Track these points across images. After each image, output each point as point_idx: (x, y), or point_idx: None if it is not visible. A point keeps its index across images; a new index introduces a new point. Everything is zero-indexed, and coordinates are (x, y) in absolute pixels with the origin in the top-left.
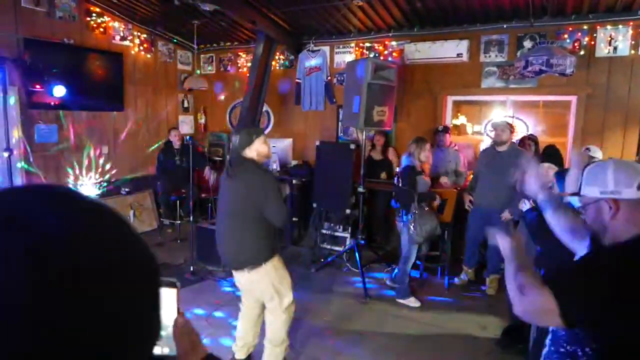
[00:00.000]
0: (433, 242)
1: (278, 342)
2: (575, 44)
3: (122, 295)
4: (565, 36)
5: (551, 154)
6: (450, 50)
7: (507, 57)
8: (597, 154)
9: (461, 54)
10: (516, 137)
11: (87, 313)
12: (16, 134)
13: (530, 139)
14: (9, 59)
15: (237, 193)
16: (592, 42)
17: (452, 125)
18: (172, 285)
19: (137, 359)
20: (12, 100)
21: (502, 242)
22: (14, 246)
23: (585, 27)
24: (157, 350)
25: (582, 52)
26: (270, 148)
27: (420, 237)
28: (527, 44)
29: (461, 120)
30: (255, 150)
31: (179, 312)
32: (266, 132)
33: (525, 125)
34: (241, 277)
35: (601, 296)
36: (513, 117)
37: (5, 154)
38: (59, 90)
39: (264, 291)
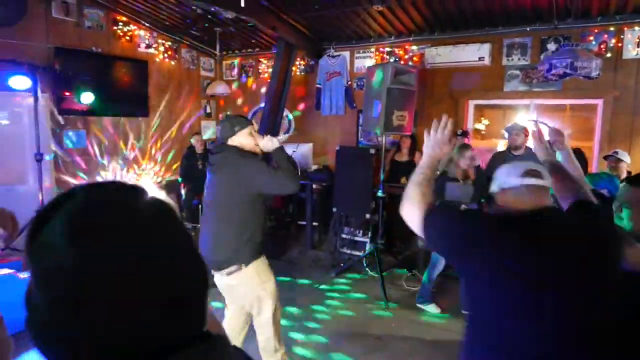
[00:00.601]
0: None
1: (271, 351)
2: (602, 46)
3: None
4: (591, 38)
5: (576, 159)
6: (472, 53)
7: (530, 60)
8: (625, 157)
9: (483, 57)
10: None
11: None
12: (46, 139)
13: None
14: (40, 67)
15: (220, 183)
16: (620, 44)
17: (474, 129)
18: None
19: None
20: (44, 106)
21: (430, 141)
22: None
23: (612, 28)
24: None
25: (608, 55)
26: (256, 142)
27: None
28: (551, 46)
29: (484, 124)
30: (239, 143)
31: None
32: (287, 136)
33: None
34: (219, 280)
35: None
36: (537, 120)
37: (36, 159)
38: (87, 97)
39: (243, 298)
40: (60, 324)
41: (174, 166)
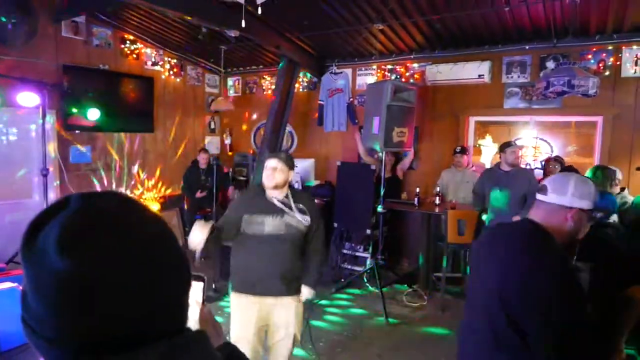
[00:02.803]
0: (454, 264)
1: None
2: (600, 64)
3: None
4: (590, 56)
5: None
6: (472, 71)
7: (530, 78)
8: (618, 175)
9: (483, 75)
10: (540, 158)
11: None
12: (52, 154)
13: (556, 160)
14: (48, 84)
15: None
16: (618, 63)
17: (475, 146)
18: (199, 279)
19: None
20: (50, 122)
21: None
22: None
23: (610, 47)
24: None
25: (607, 73)
26: (272, 181)
27: None
28: (550, 64)
29: (486, 141)
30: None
31: (203, 303)
32: (290, 152)
33: (549, 146)
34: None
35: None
36: (537, 137)
37: (42, 174)
38: (94, 114)
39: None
40: (51, 323)
41: (178, 181)
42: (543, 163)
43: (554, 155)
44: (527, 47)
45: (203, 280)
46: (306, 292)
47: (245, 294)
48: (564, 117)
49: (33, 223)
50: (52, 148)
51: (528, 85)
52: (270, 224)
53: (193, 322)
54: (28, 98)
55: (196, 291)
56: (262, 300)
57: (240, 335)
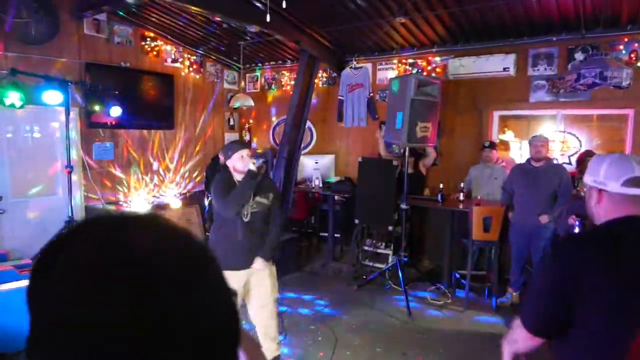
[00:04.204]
0: (479, 262)
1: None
2: (632, 55)
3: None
4: (621, 47)
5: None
6: (496, 64)
7: (557, 70)
8: None
9: (508, 68)
10: (568, 153)
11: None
12: (76, 151)
13: (590, 155)
14: (72, 81)
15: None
16: None
17: (498, 140)
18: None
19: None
20: (74, 120)
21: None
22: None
23: None
24: None
25: (639, 64)
26: (246, 164)
27: None
28: (579, 56)
29: (508, 135)
30: (232, 165)
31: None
32: (309, 148)
33: (577, 141)
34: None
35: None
36: (564, 131)
37: (66, 170)
38: (116, 111)
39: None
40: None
41: (198, 178)
42: (577, 159)
43: (583, 149)
44: (554, 39)
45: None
46: (258, 263)
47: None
48: (593, 110)
49: (40, 260)
50: (75, 145)
51: (555, 78)
52: (250, 203)
53: None
54: (52, 96)
55: None
56: (239, 274)
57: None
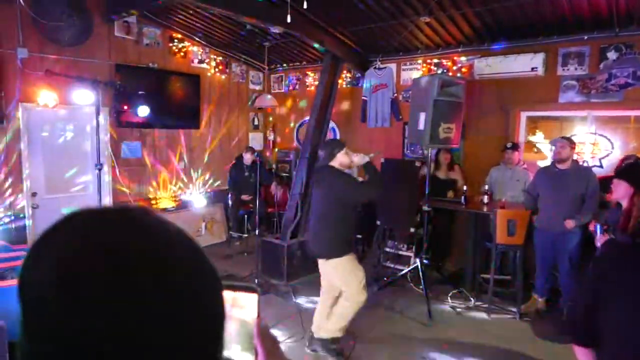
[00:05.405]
0: (502, 266)
1: (340, 320)
2: None
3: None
4: None
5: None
6: (524, 64)
7: (588, 70)
8: None
9: (536, 67)
10: (600, 155)
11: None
12: (106, 150)
13: (629, 159)
14: (102, 82)
15: (320, 196)
16: None
17: (526, 142)
18: (253, 290)
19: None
20: (104, 119)
21: None
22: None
23: None
24: (237, 355)
25: None
26: (351, 158)
27: None
28: (612, 55)
29: (538, 137)
30: (338, 163)
31: (258, 316)
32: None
33: (610, 143)
34: (320, 264)
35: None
36: (595, 133)
37: (97, 168)
38: (144, 110)
39: (334, 279)
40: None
41: (218, 175)
42: (618, 163)
43: (616, 152)
44: (585, 38)
45: (256, 292)
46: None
47: (352, 252)
48: (625, 111)
49: (32, 250)
50: (105, 144)
51: (586, 78)
52: None
53: (247, 338)
54: (83, 96)
55: (250, 304)
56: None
57: (360, 282)
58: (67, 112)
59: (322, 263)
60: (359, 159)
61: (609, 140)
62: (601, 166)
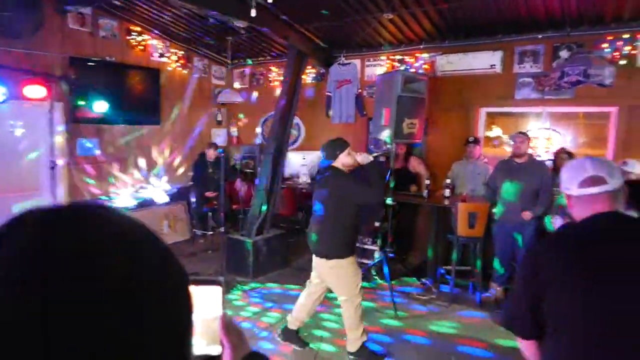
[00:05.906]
0: (463, 257)
1: (355, 329)
2: (616, 53)
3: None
4: (605, 45)
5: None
6: (483, 61)
7: (543, 68)
8: (635, 168)
9: (494, 65)
10: (551, 149)
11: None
12: (60, 147)
13: (564, 152)
14: (55, 76)
15: (326, 198)
16: (634, 51)
17: (484, 137)
18: (217, 283)
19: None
20: (58, 115)
21: None
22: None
23: (626, 35)
24: (202, 350)
25: (623, 62)
26: (354, 158)
27: None
28: (564, 54)
29: (495, 132)
30: (340, 163)
31: (223, 309)
32: (297, 144)
33: (562, 138)
34: (318, 262)
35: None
36: (549, 129)
37: (50, 167)
38: (101, 106)
39: (327, 279)
40: None
41: (180, 172)
42: (554, 154)
43: (566, 146)
44: (539, 36)
45: (220, 285)
46: None
47: (352, 257)
48: (577, 107)
49: None
50: (59, 141)
51: (541, 76)
52: None
53: (212, 332)
54: (35, 90)
55: (214, 297)
56: None
57: (357, 286)
58: (17, 108)
59: (319, 260)
60: (362, 158)
61: (561, 135)
62: (553, 160)
